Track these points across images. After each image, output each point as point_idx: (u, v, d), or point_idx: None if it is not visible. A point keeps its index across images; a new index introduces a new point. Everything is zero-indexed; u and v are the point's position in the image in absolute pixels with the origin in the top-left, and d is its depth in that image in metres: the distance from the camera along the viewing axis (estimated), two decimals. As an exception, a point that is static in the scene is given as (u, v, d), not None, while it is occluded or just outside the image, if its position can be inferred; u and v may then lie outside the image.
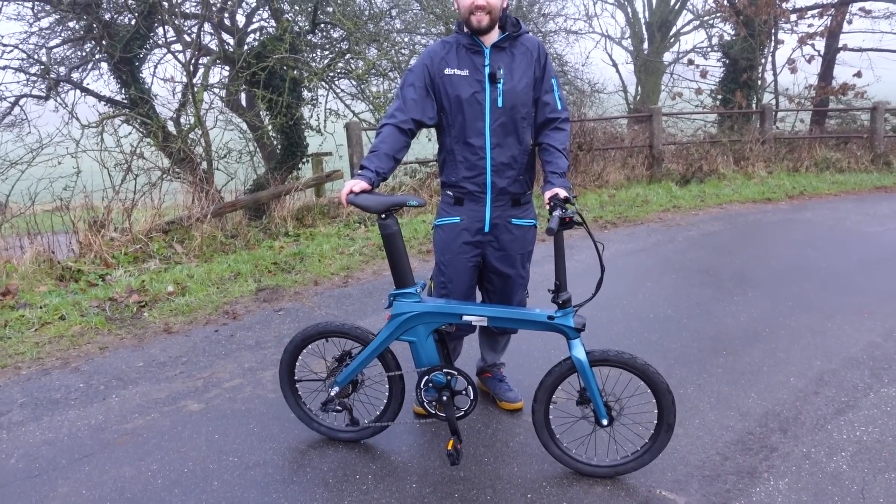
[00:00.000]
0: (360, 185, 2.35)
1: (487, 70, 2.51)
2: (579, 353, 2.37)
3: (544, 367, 3.43)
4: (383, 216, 2.35)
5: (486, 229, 2.64)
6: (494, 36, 2.54)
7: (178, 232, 6.10)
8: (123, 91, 9.63)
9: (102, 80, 10.76)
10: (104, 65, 10.26)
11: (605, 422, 2.45)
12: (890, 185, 9.57)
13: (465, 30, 2.54)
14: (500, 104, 2.52)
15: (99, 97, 10.37)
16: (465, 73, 2.52)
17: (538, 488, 2.48)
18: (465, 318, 2.42)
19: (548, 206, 2.33)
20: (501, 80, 2.50)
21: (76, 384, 3.35)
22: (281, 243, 6.17)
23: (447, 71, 2.53)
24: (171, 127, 9.40)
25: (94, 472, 2.59)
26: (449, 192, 2.69)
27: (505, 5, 2.53)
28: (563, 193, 2.35)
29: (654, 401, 2.44)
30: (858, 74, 12.91)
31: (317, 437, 2.79)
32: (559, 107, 2.61)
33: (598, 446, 2.62)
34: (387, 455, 2.69)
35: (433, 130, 2.74)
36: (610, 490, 2.46)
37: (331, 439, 2.77)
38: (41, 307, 4.37)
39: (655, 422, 2.48)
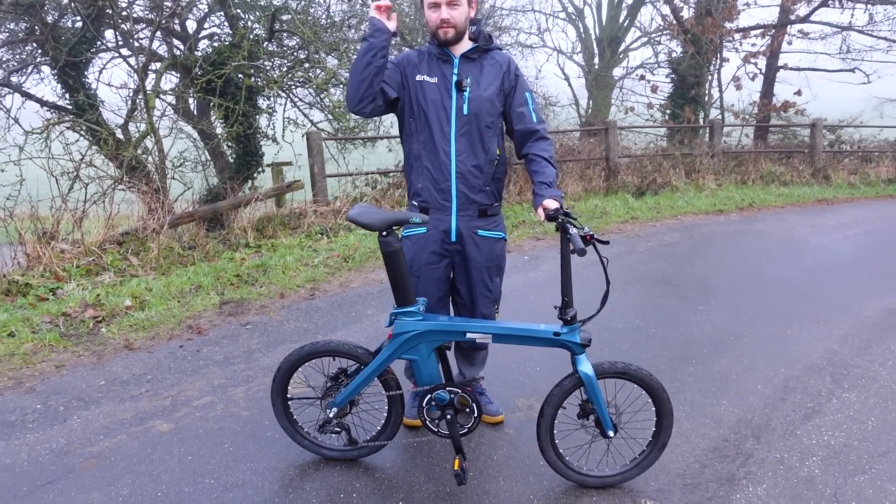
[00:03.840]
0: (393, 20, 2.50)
1: (455, 78, 2.57)
2: (586, 367, 2.35)
3: (521, 378, 3.46)
4: (384, 233, 2.26)
5: (453, 238, 2.65)
6: (464, 46, 2.61)
7: (133, 243, 5.87)
8: (69, 96, 9.23)
9: (43, 85, 10.27)
10: (46, 69, 9.82)
11: (611, 433, 2.44)
12: (830, 198, 10.07)
13: (437, 41, 2.61)
14: (465, 111, 2.57)
15: (42, 102, 9.90)
16: (434, 80, 2.60)
17: (525, 501, 2.46)
18: (469, 335, 2.38)
19: (543, 220, 2.35)
20: (468, 89, 2.56)
21: (33, 405, 3.16)
22: (242, 255, 6.01)
23: (418, 77, 2.61)
24: (119, 134, 9.05)
25: (59, 499, 2.44)
26: (415, 203, 2.70)
27: (473, 14, 2.63)
28: (553, 204, 2.35)
29: (655, 419, 2.48)
30: (798, 93, 13.57)
31: (296, 456, 2.71)
32: (534, 119, 2.63)
33: (588, 455, 2.63)
34: (371, 472, 2.63)
35: (393, 141, 2.79)
36: (596, 500, 2.47)
37: (314, 456, 2.70)
38: (-12, 324, 4.12)
39: (651, 439, 2.52)
